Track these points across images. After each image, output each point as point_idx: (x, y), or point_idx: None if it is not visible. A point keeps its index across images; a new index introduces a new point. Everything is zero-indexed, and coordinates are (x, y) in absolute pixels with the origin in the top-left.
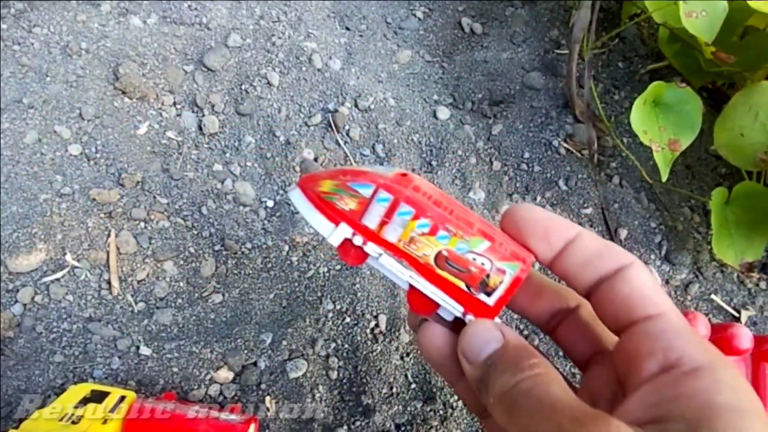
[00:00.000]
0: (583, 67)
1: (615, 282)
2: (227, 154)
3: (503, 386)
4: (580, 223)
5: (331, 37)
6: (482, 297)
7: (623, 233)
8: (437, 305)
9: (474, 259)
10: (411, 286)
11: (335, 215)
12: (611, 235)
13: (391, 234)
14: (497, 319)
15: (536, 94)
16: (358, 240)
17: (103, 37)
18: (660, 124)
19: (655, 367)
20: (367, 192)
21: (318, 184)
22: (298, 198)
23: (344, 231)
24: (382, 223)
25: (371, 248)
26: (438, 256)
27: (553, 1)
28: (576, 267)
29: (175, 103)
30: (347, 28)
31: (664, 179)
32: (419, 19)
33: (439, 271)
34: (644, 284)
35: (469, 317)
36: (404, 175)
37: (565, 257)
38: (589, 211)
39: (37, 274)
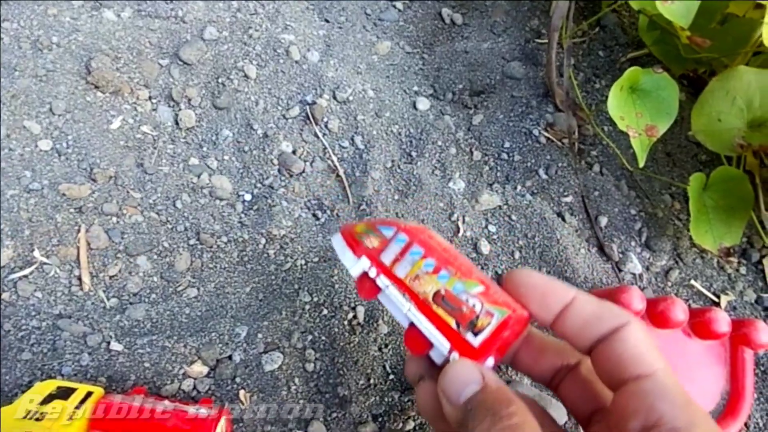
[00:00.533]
0: (562, 56)
1: (611, 342)
2: (204, 148)
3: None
4: (560, 212)
5: (310, 29)
6: (469, 336)
7: (603, 221)
8: (430, 345)
9: (467, 300)
10: (410, 325)
11: (360, 251)
12: (591, 222)
13: (401, 270)
14: (489, 362)
15: (517, 83)
16: (372, 272)
17: (74, 31)
18: (637, 110)
19: (638, 427)
20: (389, 233)
21: (354, 228)
22: (337, 240)
23: (364, 264)
24: (395, 260)
25: (382, 280)
26: (436, 294)
27: None
28: (575, 329)
29: (150, 98)
30: (326, 20)
31: (641, 165)
32: (399, 10)
33: (435, 308)
34: (637, 344)
35: (454, 355)
36: (424, 227)
37: (564, 320)
38: (569, 199)
39: (4, 271)
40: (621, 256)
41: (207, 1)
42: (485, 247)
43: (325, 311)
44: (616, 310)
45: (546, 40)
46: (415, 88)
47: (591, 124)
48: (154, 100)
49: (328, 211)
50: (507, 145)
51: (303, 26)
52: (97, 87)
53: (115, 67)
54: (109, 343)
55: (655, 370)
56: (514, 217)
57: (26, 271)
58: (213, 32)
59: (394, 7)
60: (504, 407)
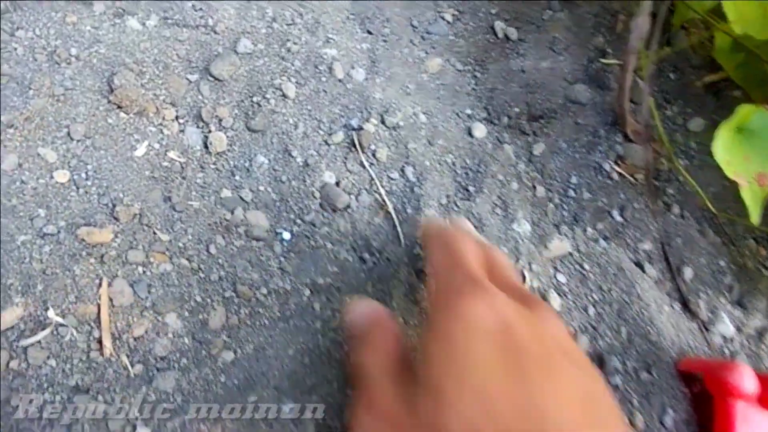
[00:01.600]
0: (636, 81)
1: None
2: (236, 177)
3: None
4: (638, 261)
5: (352, 43)
6: None
7: (688, 272)
8: None
9: None
10: None
11: None
12: (673, 274)
13: None
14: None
15: (581, 109)
16: None
17: (95, 42)
18: (744, 153)
19: None
20: None
21: None
22: None
23: None
24: None
25: None
26: None
27: (596, 1)
28: None
29: (177, 118)
30: (369, 32)
31: (755, 221)
32: (448, 22)
33: None
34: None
35: None
36: None
37: None
38: (647, 246)
39: (13, 333)
40: (709, 315)
41: (239, 9)
42: (555, 301)
43: None
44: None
45: (612, 61)
46: (468, 111)
47: (669, 158)
48: (181, 121)
49: (377, 254)
50: (574, 180)
51: (345, 39)
52: (120, 107)
53: (140, 83)
54: (135, 426)
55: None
56: (586, 266)
57: (39, 336)
58: (247, 45)
59: (443, 18)
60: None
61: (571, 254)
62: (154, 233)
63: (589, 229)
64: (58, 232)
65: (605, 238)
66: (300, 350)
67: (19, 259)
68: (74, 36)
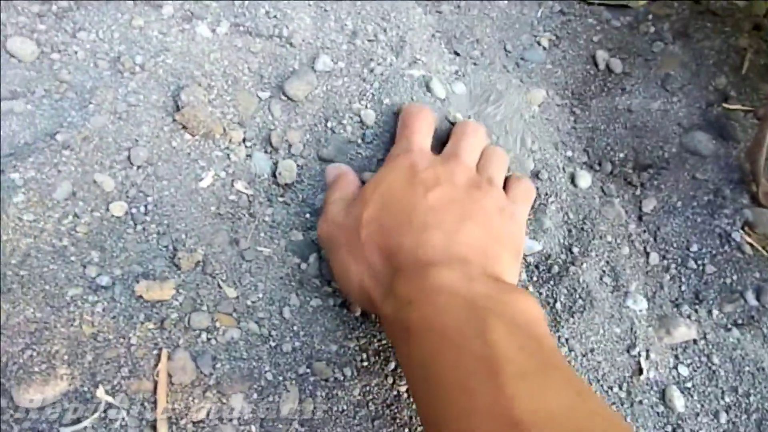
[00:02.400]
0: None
1: None
2: (307, 215)
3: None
4: None
5: (441, 64)
6: None
7: None
8: None
9: None
10: None
11: None
12: None
13: None
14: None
15: (700, 161)
16: None
17: (163, 50)
18: None
19: None
20: None
21: None
22: None
23: None
24: None
25: None
26: None
27: (718, 36)
28: None
29: (245, 140)
30: (456, 53)
31: None
32: (545, 48)
33: None
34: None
35: None
36: None
37: None
38: None
39: (54, 413)
40: None
41: (315, 19)
42: (678, 401)
43: None
44: None
45: (737, 106)
46: (569, 153)
47: None
48: (248, 144)
49: None
50: (694, 248)
51: (434, 60)
52: (185, 128)
53: (208, 100)
54: None
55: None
56: (715, 360)
57: (88, 421)
58: (327, 62)
59: (539, 44)
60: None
61: (695, 342)
62: (220, 287)
63: (716, 312)
64: (113, 284)
65: (737, 326)
66: None
67: (68, 320)
68: (140, 42)
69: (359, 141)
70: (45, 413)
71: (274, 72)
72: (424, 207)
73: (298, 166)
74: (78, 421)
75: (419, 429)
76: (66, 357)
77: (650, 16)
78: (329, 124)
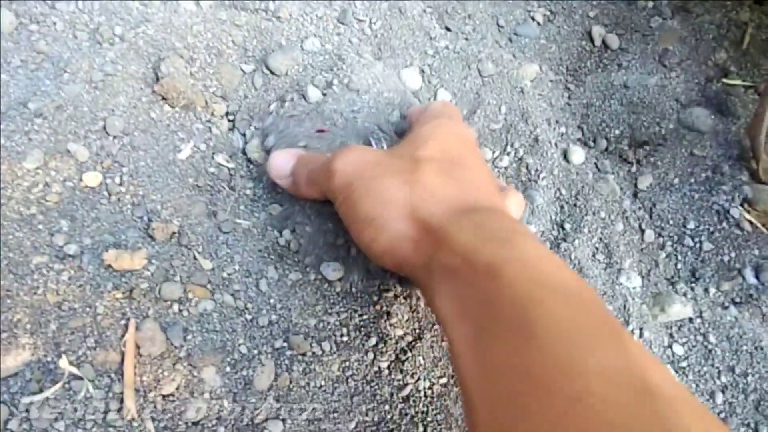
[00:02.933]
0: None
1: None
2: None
3: (304, 177)
4: None
5: (429, 41)
6: None
7: None
8: None
9: None
10: None
11: None
12: None
13: None
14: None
15: (698, 137)
16: None
17: (144, 21)
18: None
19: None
20: None
21: None
22: None
23: None
24: None
25: None
26: None
27: (718, 9)
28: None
29: (227, 113)
30: (447, 28)
31: None
32: (539, 23)
33: None
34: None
35: None
36: None
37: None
38: None
39: (15, 383)
40: None
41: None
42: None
43: None
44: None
45: (737, 82)
46: (562, 130)
47: None
48: (231, 117)
49: None
50: (691, 225)
51: (420, 36)
52: (165, 99)
53: (189, 72)
54: None
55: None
56: (712, 338)
57: (49, 392)
58: (315, 43)
59: (533, 19)
60: (308, 160)
61: (691, 320)
62: (195, 259)
63: (713, 290)
64: (82, 252)
65: (735, 304)
66: (363, 423)
67: (32, 287)
68: (120, 13)
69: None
70: (7, 383)
71: (259, 46)
72: (487, 170)
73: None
74: (40, 391)
75: (400, 406)
76: (29, 326)
77: None
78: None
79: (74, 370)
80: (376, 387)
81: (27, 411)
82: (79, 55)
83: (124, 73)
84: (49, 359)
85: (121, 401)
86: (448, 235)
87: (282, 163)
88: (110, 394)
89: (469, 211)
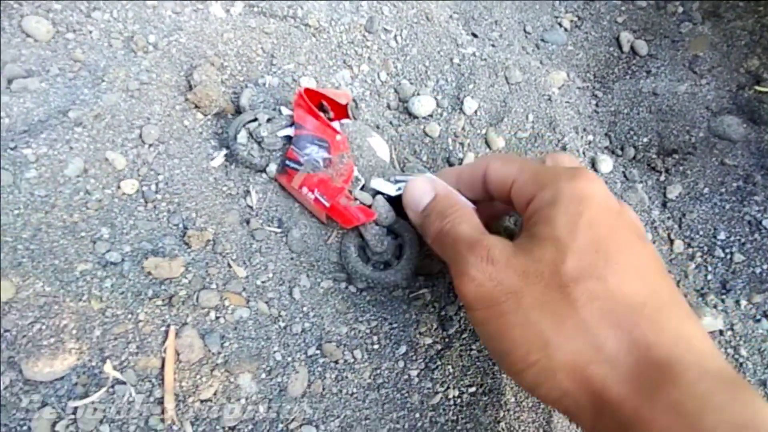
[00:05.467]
0: None
1: (515, 182)
2: None
3: (435, 230)
4: None
5: (456, 48)
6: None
7: None
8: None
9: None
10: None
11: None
12: None
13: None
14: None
15: (729, 146)
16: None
17: (176, 30)
18: None
19: (525, 205)
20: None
21: None
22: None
23: None
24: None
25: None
26: None
27: (750, 15)
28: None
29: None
30: (474, 35)
31: None
32: (566, 29)
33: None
34: (494, 168)
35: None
36: None
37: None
38: None
39: (62, 387)
40: None
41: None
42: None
43: None
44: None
45: None
46: (590, 138)
47: None
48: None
49: None
50: (722, 236)
51: (448, 42)
52: (197, 107)
53: (221, 80)
54: None
55: (511, 172)
56: (743, 352)
57: (95, 396)
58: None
59: (560, 25)
60: (449, 208)
61: (722, 332)
62: (230, 267)
63: (744, 302)
64: (122, 260)
65: (766, 315)
66: (394, 430)
67: (77, 294)
68: (154, 21)
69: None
70: (53, 387)
71: (287, 52)
72: (656, 259)
73: None
74: (86, 395)
75: (430, 414)
76: (74, 331)
77: None
78: None
79: (118, 374)
80: (407, 395)
81: (74, 414)
82: (115, 64)
83: (158, 82)
84: (93, 364)
85: (162, 406)
86: (637, 421)
87: (418, 195)
88: (151, 399)
89: (659, 383)
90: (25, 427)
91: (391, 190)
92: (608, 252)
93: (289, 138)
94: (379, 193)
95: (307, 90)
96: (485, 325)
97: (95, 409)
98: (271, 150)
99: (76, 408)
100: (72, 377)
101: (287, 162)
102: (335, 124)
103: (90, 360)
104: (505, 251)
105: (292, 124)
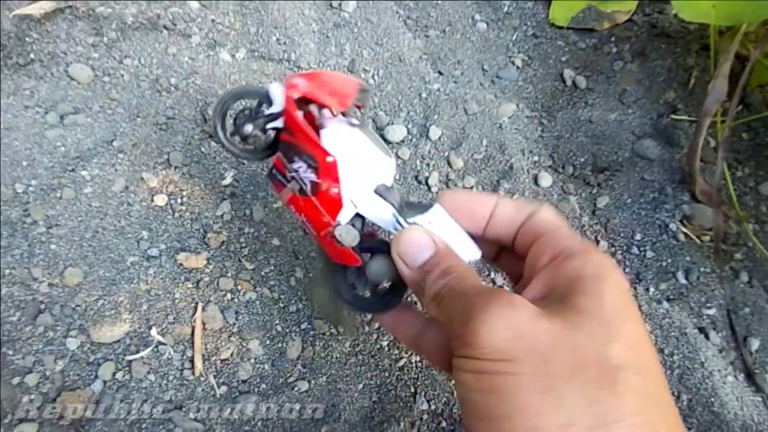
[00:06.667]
0: (708, 141)
1: (528, 221)
2: None
3: (437, 287)
4: (702, 327)
5: (424, 84)
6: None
7: (754, 344)
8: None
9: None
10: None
11: None
12: (738, 344)
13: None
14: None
15: (648, 164)
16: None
17: (192, 73)
18: None
19: (547, 259)
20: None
21: None
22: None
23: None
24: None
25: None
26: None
27: (669, 56)
28: (502, 226)
29: None
30: (440, 73)
31: None
32: (518, 67)
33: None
34: (548, 216)
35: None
36: None
37: (493, 222)
38: (712, 311)
39: (119, 347)
40: None
41: (318, 44)
42: (645, 326)
43: (444, 424)
44: (530, 203)
45: (683, 117)
46: (535, 159)
47: (738, 222)
48: None
49: None
50: (638, 237)
51: (417, 80)
52: (211, 137)
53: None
54: None
55: (559, 227)
56: (648, 327)
57: (143, 353)
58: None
59: (513, 63)
60: (452, 265)
61: None
62: (240, 261)
63: (652, 289)
64: (160, 255)
65: (668, 300)
66: (368, 386)
67: (129, 278)
68: (174, 66)
69: None
70: (113, 347)
71: None
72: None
73: None
74: (137, 352)
75: (397, 373)
76: (128, 306)
77: (613, 38)
78: None
79: (160, 338)
80: (379, 359)
81: (128, 366)
82: (144, 102)
83: (180, 116)
84: (142, 330)
85: (192, 362)
86: None
87: (416, 248)
88: (184, 357)
89: None
90: (93, 375)
91: (390, 227)
92: (646, 348)
93: (278, 132)
94: (369, 236)
95: (291, 89)
96: (489, 381)
97: (143, 363)
98: (257, 145)
99: (130, 361)
100: (126, 340)
101: (274, 171)
102: (330, 128)
103: (139, 327)
104: (531, 306)
105: (281, 115)
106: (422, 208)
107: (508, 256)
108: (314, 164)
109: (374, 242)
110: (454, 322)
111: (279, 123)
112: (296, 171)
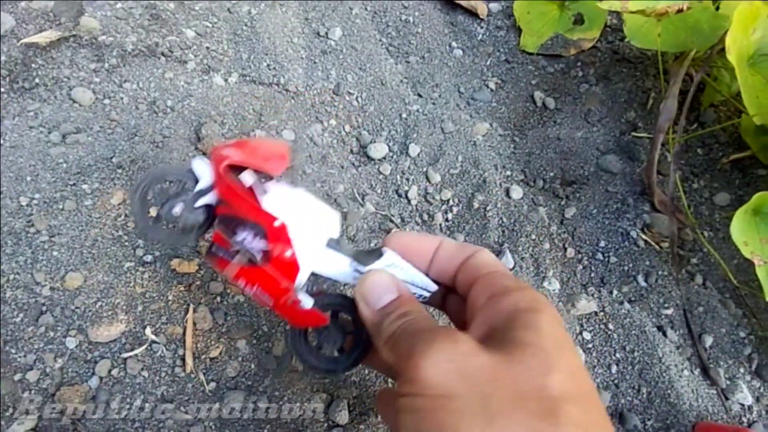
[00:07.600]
0: (664, 156)
1: (468, 261)
2: None
3: (393, 329)
4: (660, 326)
5: (404, 105)
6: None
7: (708, 340)
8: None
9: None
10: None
11: None
12: (694, 341)
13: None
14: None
15: (612, 177)
16: None
17: (187, 96)
18: (761, 236)
19: (485, 298)
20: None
21: None
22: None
23: None
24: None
25: None
26: None
27: (630, 79)
28: (443, 264)
29: None
30: (419, 95)
31: None
32: (491, 90)
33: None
34: (486, 258)
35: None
36: None
37: (436, 260)
38: (670, 311)
39: (115, 345)
40: (728, 383)
41: (306, 69)
42: (580, 356)
43: None
44: (471, 246)
45: (643, 135)
46: (507, 173)
47: (692, 229)
48: None
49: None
50: (602, 244)
51: (397, 103)
52: (205, 154)
53: (221, 133)
54: None
55: (497, 269)
56: (611, 326)
57: (138, 351)
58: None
59: (487, 86)
60: (410, 309)
61: (596, 314)
62: None
63: (615, 292)
64: (155, 261)
65: (630, 301)
66: (350, 381)
67: (126, 282)
68: (170, 89)
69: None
70: (109, 345)
71: (272, 111)
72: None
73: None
74: (132, 350)
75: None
76: (124, 307)
77: (579, 63)
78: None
79: (154, 337)
80: None
81: (124, 363)
82: (142, 122)
83: (175, 136)
84: (137, 330)
85: (183, 360)
86: None
87: (379, 291)
88: (176, 355)
89: None
90: (90, 372)
91: (348, 278)
92: (584, 379)
93: (209, 209)
94: (328, 300)
95: (223, 160)
96: (431, 419)
97: (138, 360)
98: (186, 226)
99: (125, 359)
100: (122, 339)
101: (214, 248)
102: (273, 192)
103: (134, 327)
104: (473, 341)
105: (211, 189)
106: (374, 254)
107: (453, 300)
108: (261, 231)
109: (332, 298)
110: (401, 363)
111: (209, 198)
112: (241, 243)
